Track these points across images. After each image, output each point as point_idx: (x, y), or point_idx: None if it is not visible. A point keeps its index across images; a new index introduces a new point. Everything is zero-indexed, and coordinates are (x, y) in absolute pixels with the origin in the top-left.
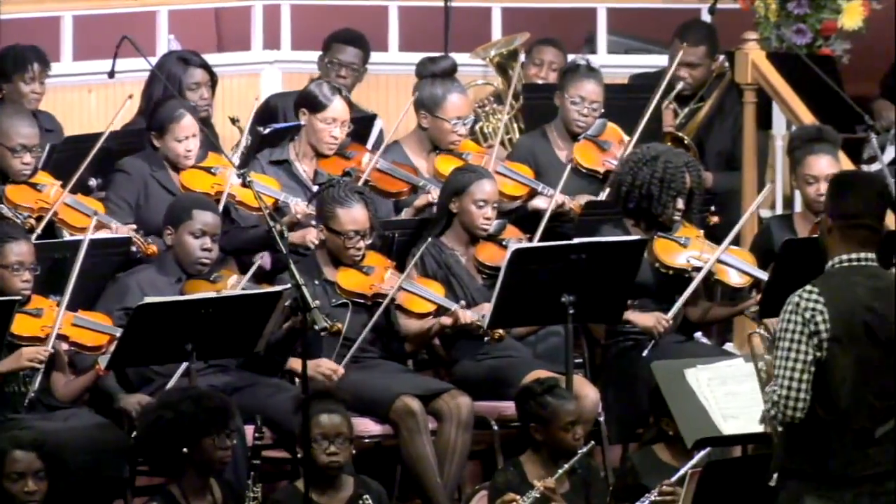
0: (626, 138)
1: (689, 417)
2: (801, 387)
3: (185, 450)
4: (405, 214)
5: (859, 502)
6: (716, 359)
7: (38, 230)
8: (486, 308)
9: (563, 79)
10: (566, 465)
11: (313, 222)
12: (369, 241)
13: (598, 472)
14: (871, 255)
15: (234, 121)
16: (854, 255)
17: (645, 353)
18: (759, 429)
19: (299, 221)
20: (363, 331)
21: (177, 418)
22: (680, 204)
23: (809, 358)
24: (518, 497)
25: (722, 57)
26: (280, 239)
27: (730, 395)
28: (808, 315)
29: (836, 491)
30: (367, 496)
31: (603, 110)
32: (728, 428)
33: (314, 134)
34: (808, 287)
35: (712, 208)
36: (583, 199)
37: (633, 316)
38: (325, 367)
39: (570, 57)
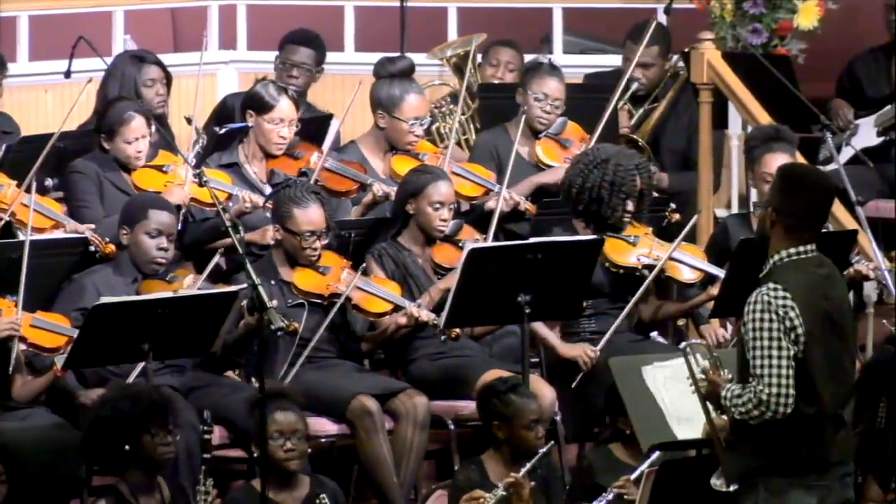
0: (588, 137)
1: (645, 419)
2: (788, 382)
3: (126, 447)
4: (353, 213)
5: (844, 483)
6: (672, 355)
7: None
8: (433, 291)
9: (526, 76)
10: (529, 464)
11: (266, 214)
12: (325, 242)
13: (558, 471)
14: (813, 246)
15: (189, 120)
16: (801, 248)
17: (573, 385)
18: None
19: (249, 212)
20: (319, 330)
21: (115, 416)
22: (630, 206)
23: (790, 353)
24: (485, 494)
25: (676, 57)
26: (234, 234)
27: (685, 395)
28: (781, 312)
29: (822, 479)
30: (324, 495)
31: (564, 108)
32: (682, 432)
33: (262, 135)
34: (772, 285)
35: (672, 206)
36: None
37: (559, 346)
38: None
39: (528, 57)
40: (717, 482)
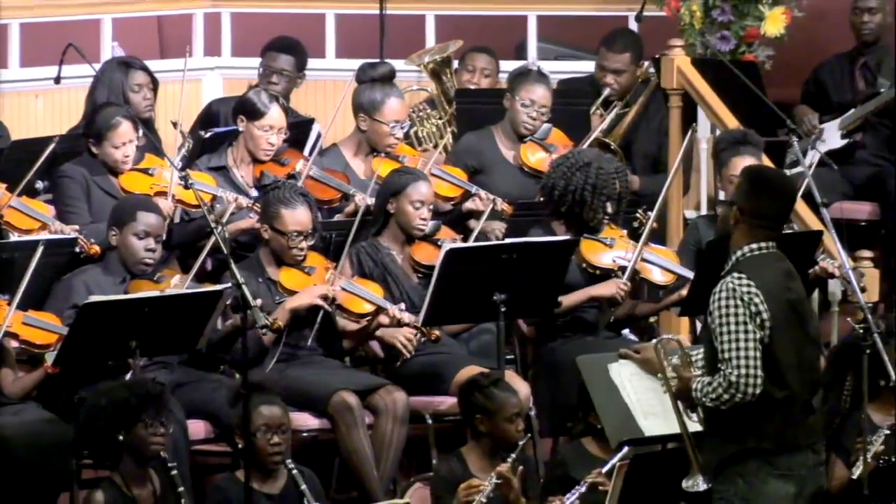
0: (572, 143)
1: (613, 416)
2: (756, 364)
3: (120, 437)
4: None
5: (818, 472)
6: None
7: None
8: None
9: (514, 82)
10: (514, 454)
11: (252, 215)
12: (311, 242)
13: (533, 464)
14: (773, 244)
15: (175, 125)
16: (763, 245)
17: (612, 318)
18: (677, 428)
19: (233, 213)
20: (304, 327)
21: (111, 404)
22: (610, 208)
23: (757, 336)
24: (482, 482)
25: (647, 63)
26: (220, 235)
27: (650, 390)
28: (746, 298)
29: (797, 465)
30: (304, 486)
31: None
32: (649, 427)
33: (252, 140)
34: (736, 274)
35: (644, 208)
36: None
37: (594, 290)
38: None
39: (511, 63)
40: (687, 483)
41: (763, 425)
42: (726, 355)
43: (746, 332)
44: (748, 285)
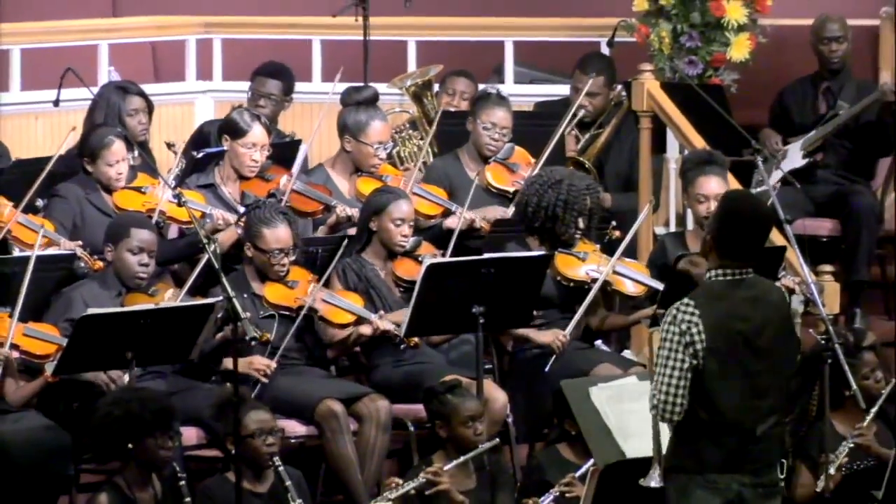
0: (533, 161)
1: (598, 439)
2: (677, 392)
3: (129, 445)
4: (321, 232)
5: (743, 493)
6: (615, 376)
7: None
8: (401, 314)
9: (476, 106)
10: (462, 457)
11: (238, 231)
12: (293, 258)
13: (507, 469)
14: (748, 269)
15: (169, 145)
16: (732, 270)
17: (547, 368)
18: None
19: (221, 229)
20: (287, 338)
21: (124, 416)
22: (581, 223)
23: (686, 366)
24: (400, 480)
25: (619, 87)
26: (210, 250)
27: (627, 413)
28: (683, 327)
29: (720, 480)
30: (288, 482)
31: (511, 135)
32: (630, 449)
33: (236, 158)
34: (686, 300)
35: (613, 224)
36: (491, 212)
37: (532, 334)
38: (259, 363)
39: (481, 86)
40: (643, 480)
41: (692, 444)
42: (655, 378)
43: (675, 360)
44: (691, 314)
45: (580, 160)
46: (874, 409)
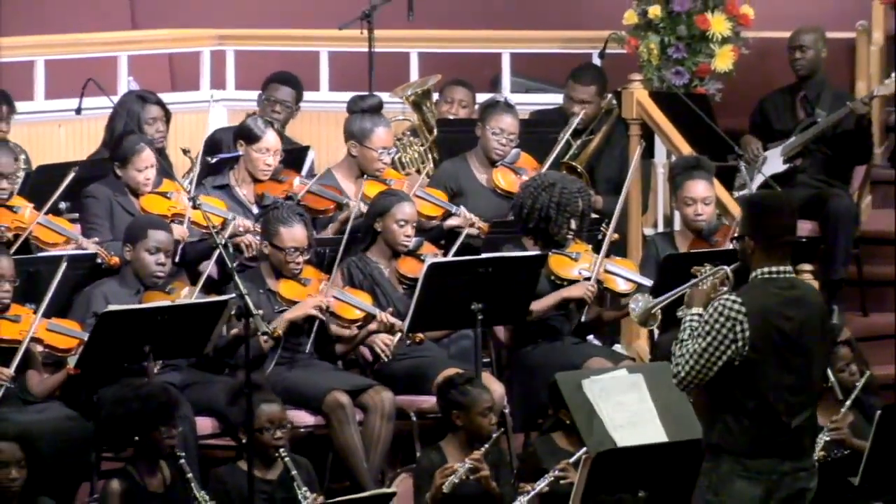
0: (539, 166)
1: (590, 429)
2: (702, 371)
3: (136, 438)
4: (331, 229)
5: (784, 479)
6: (606, 370)
7: (15, 246)
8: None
9: (484, 113)
10: (487, 444)
11: (256, 236)
12: (307, 257)
13: (507, 456)
14: (789, 268)
15: (185, 151)
16: (774, 268)
17: (583, 318)
18: (646, 439)
19: (240, 234)
20: (301, 335)
21: (128, 414)
22: (573, 225)
23: (723, 358)
24: (455, 465)
25: (610, 95)
26: (225, 252)
27: (617, 405)
28: (730, 324)
29: (761, 466)
30: (296, 471)
31: (518, 141)
32: (620, 438)
33: (250, 162)
34: (733, 297)
35: (604, 224)
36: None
37: (565, 292)
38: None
39: (480, 95)
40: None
41: (733, 427)
42: (681, 350)
43: (716, 348)
44: (738, 311)
45: (573, 165)
46: (848, 402)
